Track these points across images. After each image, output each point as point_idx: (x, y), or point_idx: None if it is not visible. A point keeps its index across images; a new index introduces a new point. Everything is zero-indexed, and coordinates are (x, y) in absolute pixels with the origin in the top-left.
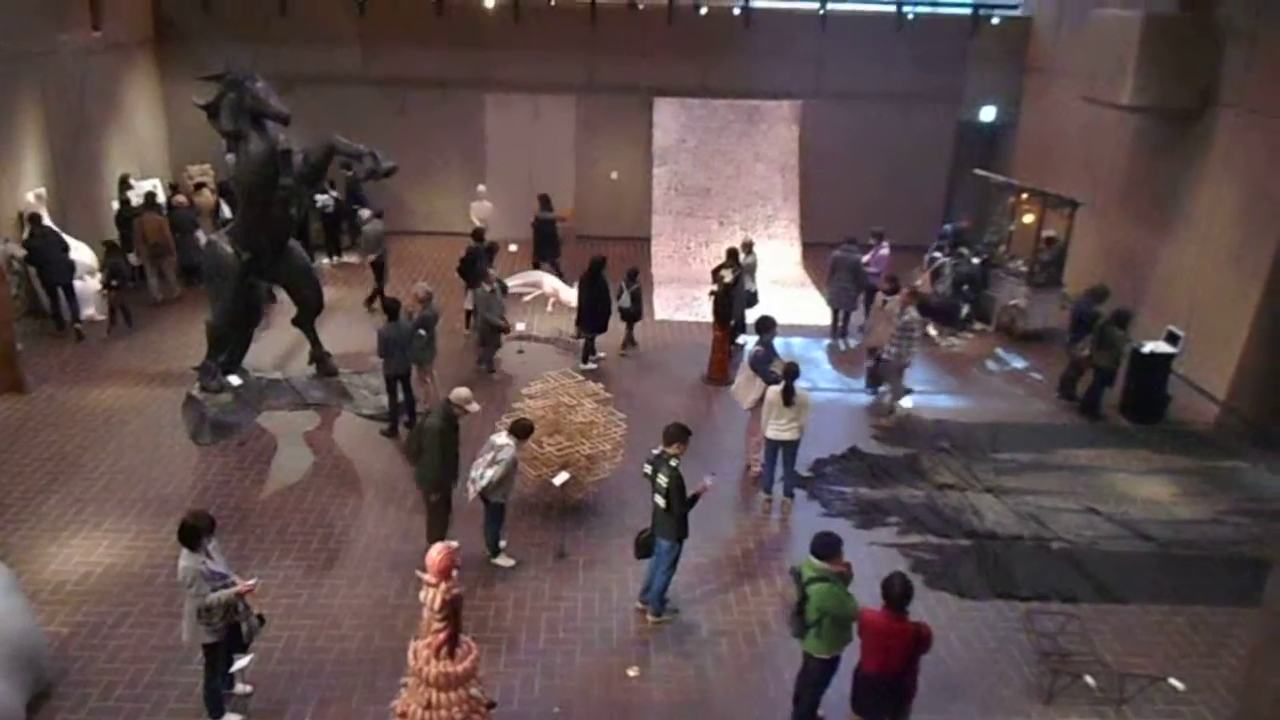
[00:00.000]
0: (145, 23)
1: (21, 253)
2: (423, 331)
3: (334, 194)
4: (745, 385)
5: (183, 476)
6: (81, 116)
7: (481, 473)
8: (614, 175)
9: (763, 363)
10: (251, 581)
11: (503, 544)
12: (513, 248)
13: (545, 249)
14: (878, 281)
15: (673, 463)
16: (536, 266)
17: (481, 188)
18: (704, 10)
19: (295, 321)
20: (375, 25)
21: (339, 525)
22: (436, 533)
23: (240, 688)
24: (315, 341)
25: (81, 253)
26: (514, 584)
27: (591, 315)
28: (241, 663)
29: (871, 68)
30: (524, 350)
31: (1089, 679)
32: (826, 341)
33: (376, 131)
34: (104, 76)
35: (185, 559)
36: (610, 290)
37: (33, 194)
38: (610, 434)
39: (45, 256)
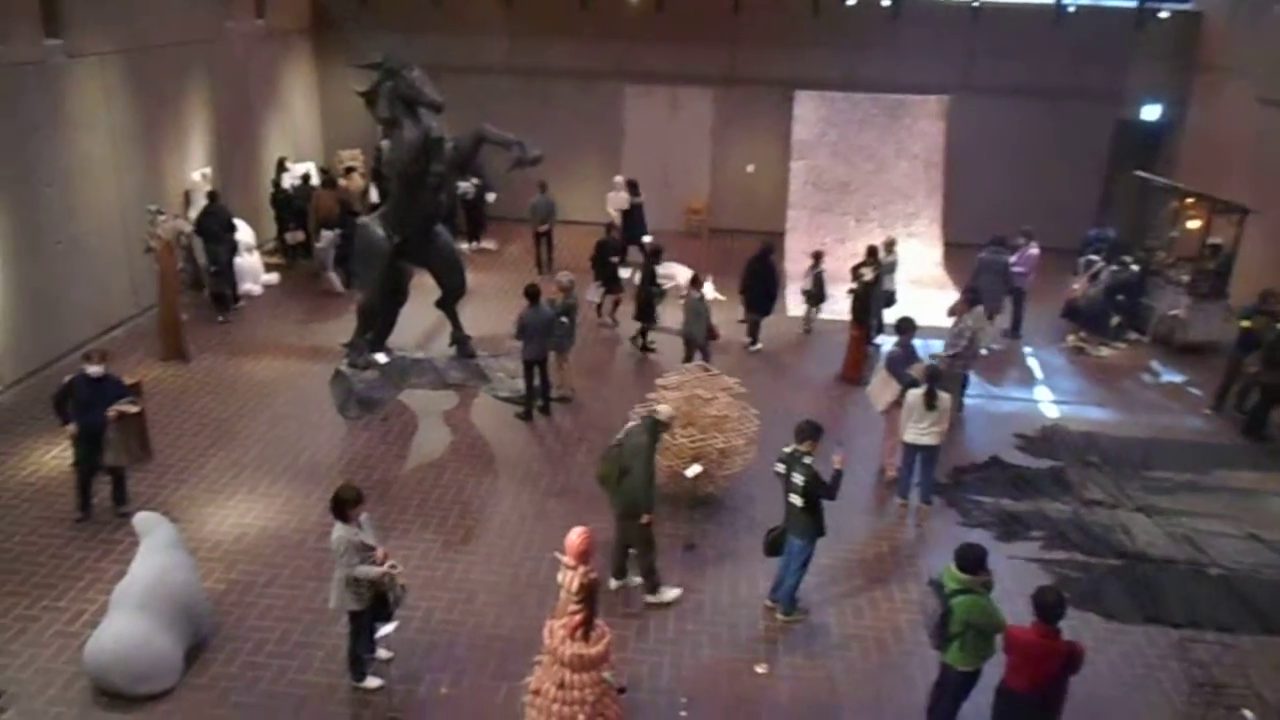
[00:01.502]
0: (304, 11)
1: (189, 228)
2: (564, 319)
3: (474, 181)
4: (881, 387)
5: (330, 448)
6: (244, 100)
7: None
8: (750, 168)
9: (900, 365)
10: (394, 567)
11: None
12: (647, 239)
13: (633, 233)
14: (1026, 284)
15: (806, 460)
16: (624, 251)
17: (619, 178)
18: (851, 1)
19: (438, 304)
20: (521, 16)
21: (475, 503)
22: (652, 556)
23: (382, 653)
24: (456, 324)
25: (242, 231)
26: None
27: (760, 298)
28: (386, 629)
29: (1025, 62)
30: (656, 342)
31: (1247, 714)
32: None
33: (518, 120)
34: (265, 62)
35: (339, 529)
36: (778, 274)
37: (198, 173)
38: (743, 429)
39: (211, 233)
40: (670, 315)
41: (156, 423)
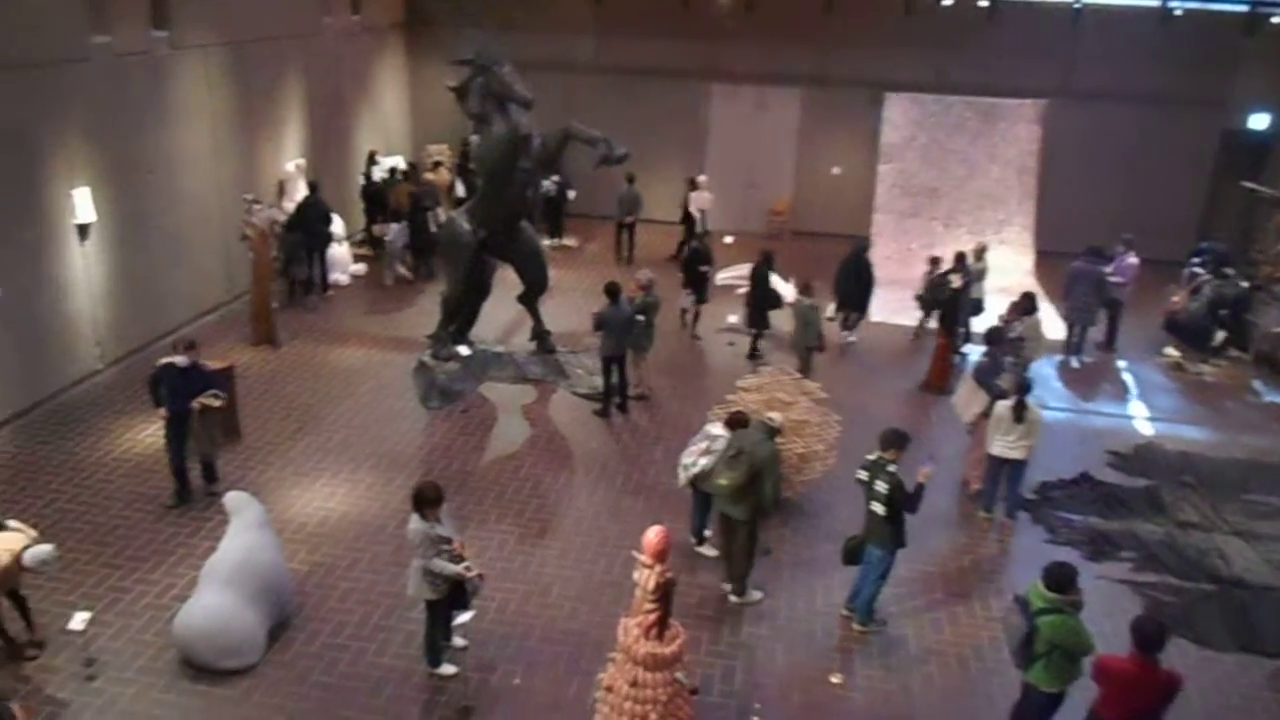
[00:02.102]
0: (397, 7)
1: (283, 217)
2: (642, 317)
3: (555, 179)
4: (968, 398)
5: (411, 436)
6: (337, 94)
7: (694, 460)
8: (836, 170)
9: (989, 375)
10: (474, 572)
11: (708, 534)
12: (728, 239)
13: (693, 232)
14: (1123, 295)
15: (890, 468)
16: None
17: (702, 178)
18: (947, 1)
19: (520, 299)
20: (610, 14)
21: (551, 497)
22: (751, 563)
23: (458, 641)
24: (537, 319)
25: (334, 223)
26: (718, 574)
27: (854, 295)
28: (463, 618)
29: (1127, 67)
30: (735, 343)
31: None
32: (1059, 357)
33: (602, 118)
34: (358, 57)
35: (415, 522)
36: (874, 273)
37: (293, 164)
38: (824, 434)
39: (308, 224)
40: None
41: (246, 406)
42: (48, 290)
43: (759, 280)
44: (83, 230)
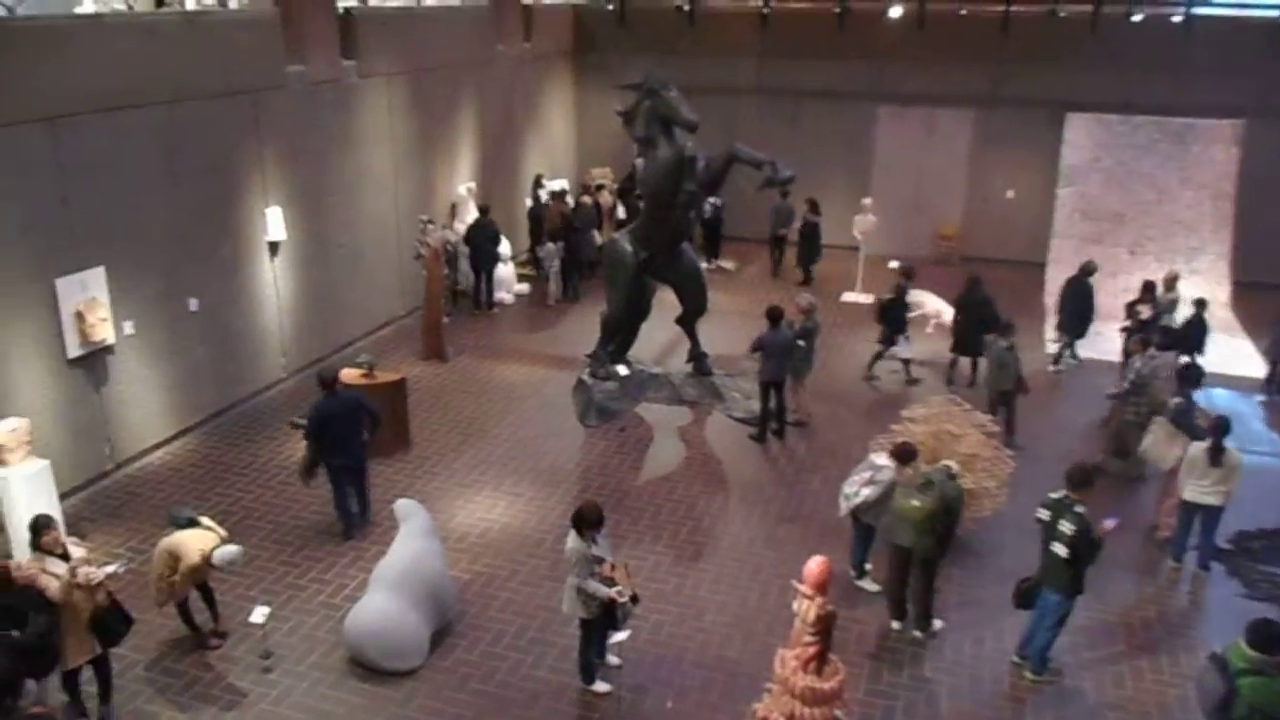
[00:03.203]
0: (567, 35)
1: (456, 238)
2: (802, 342)
3: (714, 201)
4: (1165, 441)
5: (569, 453)
6: (508, 119)
7: (857, 490)
8: (1010, 194)
9: (1187, 416)
10: (625, 597)
11: (869, 567)
12: (893, 264)
13: (809, 252)
14: None
15: (1078, 509)
16: (798, 265)
17: (866, 201)
18: (1137, 18)
19: (678, 320)
20: (773, 37)
21: (706, 521)
22: (930, 599)
23: (611, 659)
24: (695, 341)
25: (502, 244)
26: (878, 610)
27: (1073, 320)
28: (619, 637)
29: None
30: (898, 370)
31: None
32: (1260, 398)
33: (765, 140)
34: (528, 83)
35: (573, 540)
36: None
37: (464, 187)
38: (996, 470)
39: (478, 244)
40: (916, 344)
41: (416, 417)
42: (241, 303)
43: (893, 300)
44: (273, 247)
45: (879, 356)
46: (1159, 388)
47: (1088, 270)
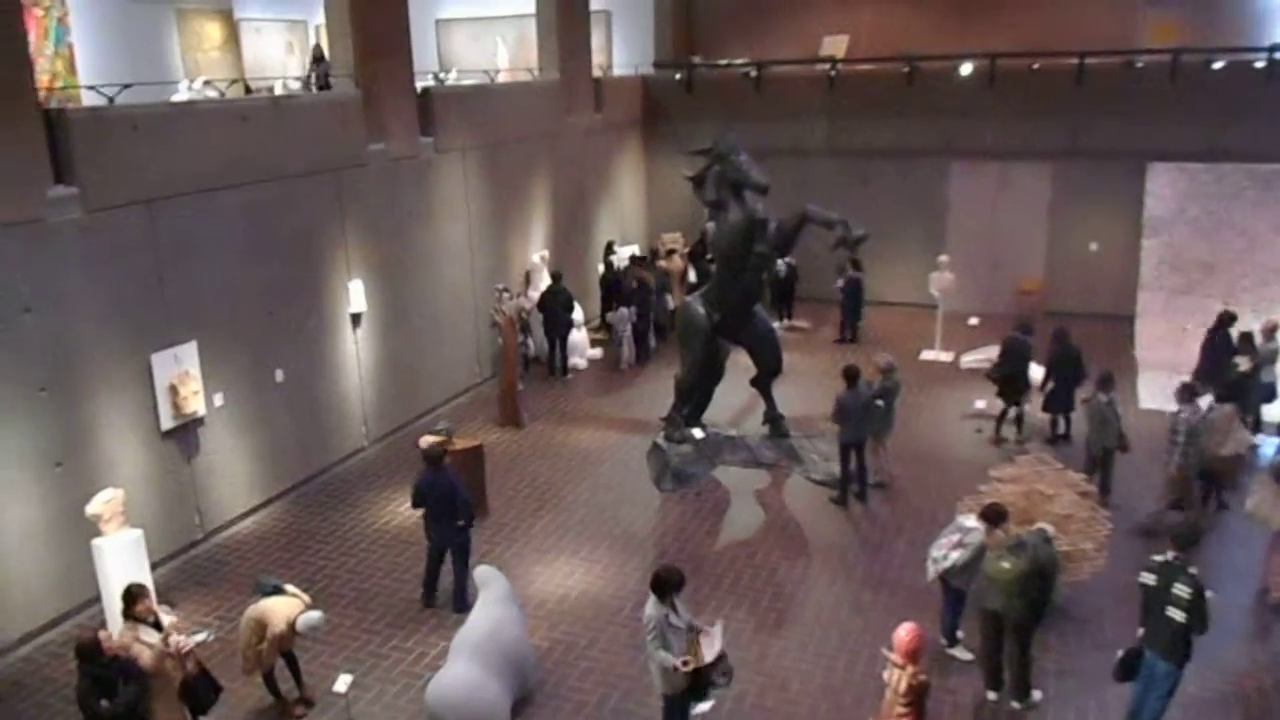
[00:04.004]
0: (636, 105)
1: (530, 305)
2: (880, 402)
3: (789, 260)
4: (1271, 500)
5: (646, 518)
6: (579, 187)
7: (945, 554)
8: (1094, 247)
9: None
10: (686, 664)
11: (960, 634)
12: (973, 321)
13: (851, 310)
14: None
15: (1191, 570)
16: (844, 327)
17: (943, 258)
18: (1217, 65)
19: (753, 382)
20: (842, 99)
21: (788, 587)
22: (1027, 667)
23: None
24: (771, 402)
25: (575, 310)
26: (972, 679)
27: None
28: (702, 708)
29: None
30: (982, 430)
31: None
32: None
33: (838, 201)
34: (599, 152)
35: (652, 606)
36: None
37: (538, 255)
38: (1092, 532)
39: (551, 311)
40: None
41: (493, 483)
42: (325, 374)
43: (1013, 353)
44: (355, 319)
45: (1005, 417)
46: (1216, 440)
47: (1227, 320)
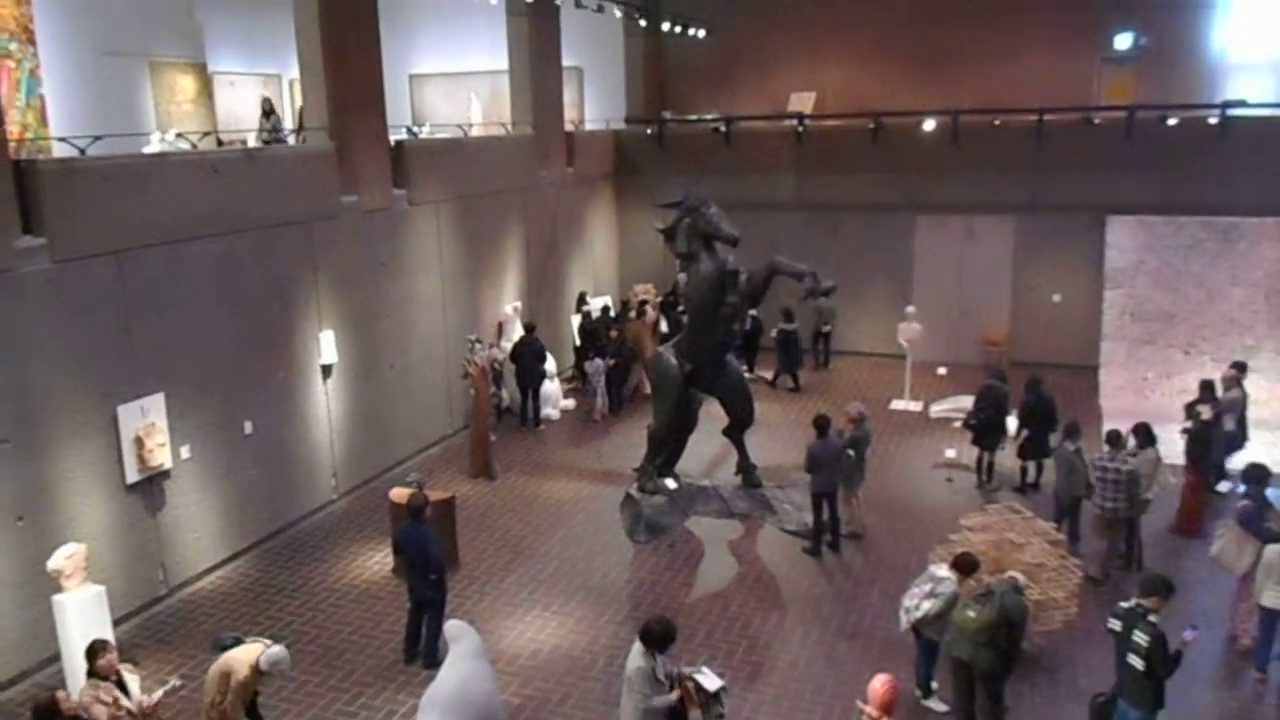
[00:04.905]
0: (608, 159)
1: (502, 356)
2: (851, 452)
3: (753, 314)
4: (1235, 547)
5: (619, 571)
6: (552, 239)
7: (917, 604)
8: (1056, 298)
9: (1255, 519)
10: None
11: (935, 685)
12: (941, 371)
13: (788, 361)
14: None
15: (1152, 618)
16: (777, 378)
17: (910, 309)
18: (1172, 121)
19: (726, 432)
20: (810, 154)
21: (762, 639)
22: (1000, 717)
23: None
24: (743, 453)
25: (548, 361)
26: None
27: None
28: None
29: None
30: (953, 479)
31: None
32: None
33: (807, 253)
34: (571, 205)
35: (640, 658)
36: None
37: (510, 306)
38: (1063, 580)
39: (524, 361)
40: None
41: (465, 535)
42: (294, 425)
43: (990, 400)
44: (326, 370)
45: (983, 462)
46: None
47: (1241, 365)
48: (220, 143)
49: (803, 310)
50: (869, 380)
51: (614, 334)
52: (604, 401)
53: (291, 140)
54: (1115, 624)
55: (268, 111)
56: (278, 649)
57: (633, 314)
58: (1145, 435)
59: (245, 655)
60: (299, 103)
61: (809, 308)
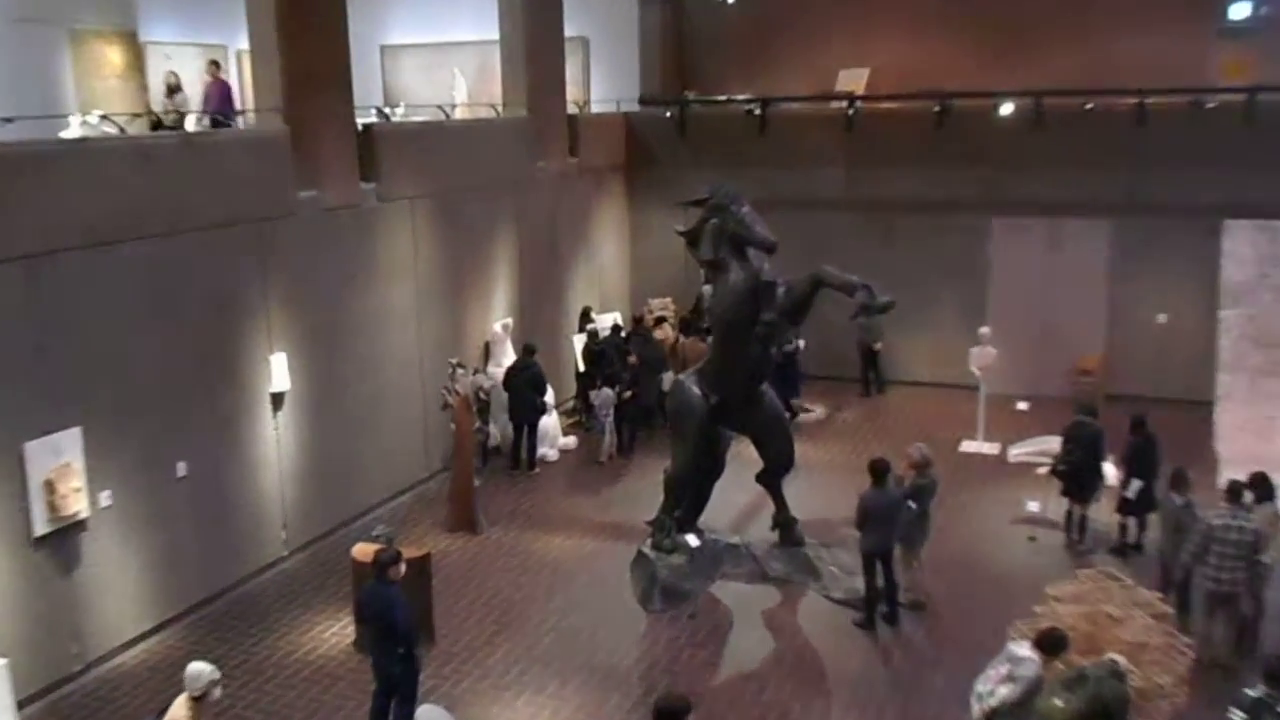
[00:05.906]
0: (619, 148)
1: (490, 384)
2: (913, 504)
3: (800, 342)
4: None
5: (629, 646)
6: (551, 244)
7: (992, 689)
8: (1161, 319)
9: None
10: None
11: None
12: (1022, 405)
13: (786, 387)
14: None
15: None
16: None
17: (984, 330)
18: None
19: (759, 478)
20: (862, 143)
21: None
22: None
23: None
24: (781, 503)
25: (546, 391)
26: None
27: None
28: None
29: None
30: (1037, 537)
31: None
32: None
33: (858, 262)
34: (575, 203)
35: None
36: None
37: (500, 324)
38: (1170, 663)
39: (517, 391)
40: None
41: (441, 602)
42: (237, 467)
43: (1081, 441)
44: (277, 399)
45: (1072, 519)
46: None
47: None
48: (156, 125)
49: (839, 326)
50: (933, 416)
51: (631, 360)
52: (613, 440)
53: (192, 125)
54: (1238, 715)
55: (174, 89)
56: (198, 664)
57: (658, 333)
58: (1264, 486)
59: (176, 707)
60: (248, 77)
61: (849, 325)
